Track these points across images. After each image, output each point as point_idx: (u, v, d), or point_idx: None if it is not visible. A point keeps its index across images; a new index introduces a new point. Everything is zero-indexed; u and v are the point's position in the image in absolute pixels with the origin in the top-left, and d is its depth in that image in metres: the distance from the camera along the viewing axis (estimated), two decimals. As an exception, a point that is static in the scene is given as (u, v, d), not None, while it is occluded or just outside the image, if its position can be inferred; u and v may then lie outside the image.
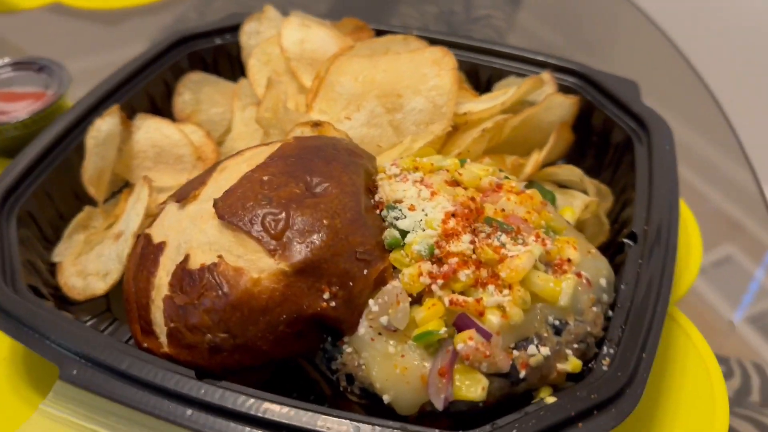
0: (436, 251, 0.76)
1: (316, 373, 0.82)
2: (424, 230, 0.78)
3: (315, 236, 0.74)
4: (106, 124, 1.02)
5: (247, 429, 0.69)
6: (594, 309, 0.77)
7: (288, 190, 0.78)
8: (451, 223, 0.78)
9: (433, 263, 0.75)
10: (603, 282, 0.80)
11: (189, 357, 0.76)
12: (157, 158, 1.09)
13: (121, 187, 1.11)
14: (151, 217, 0.93)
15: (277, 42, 1.13)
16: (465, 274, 0.74)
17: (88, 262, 0.95)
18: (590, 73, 1.13)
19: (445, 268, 0.74)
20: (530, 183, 1.02)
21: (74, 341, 0.76)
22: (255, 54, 1.13)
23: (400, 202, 0.82)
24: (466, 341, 0.70)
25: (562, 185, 1.05)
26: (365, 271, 0.75)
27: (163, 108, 1.19)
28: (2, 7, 1.65)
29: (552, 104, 1.05)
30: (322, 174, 0.80)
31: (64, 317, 0.81)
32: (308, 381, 0.84)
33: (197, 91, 1.20)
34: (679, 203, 0.92)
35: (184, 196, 0.84)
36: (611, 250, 0.94)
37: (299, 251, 0.73)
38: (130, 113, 1.12)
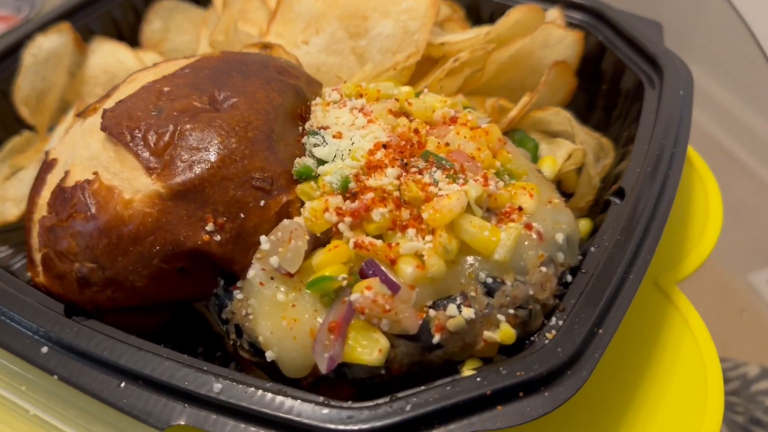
0: (352, 185, 0.62)
1: (219, 326, 0.70)
2: (344, 160, 0.64)
3: (202, 155, 0.62)
4: (49, 41, 0.93)
5: (101, 375, 0.58)
6: (543, 269, 0.62)
7: (186, 102, 0.66)
8: (379, 154, 0.65)
9: (346, 199, 0.62)
10: (560, 238, 0.64)
11: (60, 288, 0.66)
12: (107, 84, 0.99)
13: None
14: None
15: (248, -37, 1.01)
16: (380, 213, 0.60)
17: (10, 188, 0.87)
18: (605, 10, 0.96)
19: (357, 204, 0.60)
20: (514, 130, 0.87)
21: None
22: (223, -25, 1.02)
23: (327, 128, 0.69)
24: (364, 291, 0.56)
25: (556, 135, 0.88)
26: (262, 203, 0.62)
27: (129, 36, 1.09)
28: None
29: (550, 39, 0.89)
30: (234, 88, 0.68)
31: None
32: (213, 335, 0.73)
33: (168, 19, 1.10)
34: (684, 158, 0.75)
35: (84, 110, 0.74)
36: (598, 209, 0.78)
37: (181, 170, 0.61)
38: (88, 36, 1.02)
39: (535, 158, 0.83)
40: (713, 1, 1.45)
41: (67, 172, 0.66)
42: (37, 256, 0.67)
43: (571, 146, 0.81)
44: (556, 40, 0.90)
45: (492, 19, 1.04)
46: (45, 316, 0.62)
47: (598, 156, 0.89)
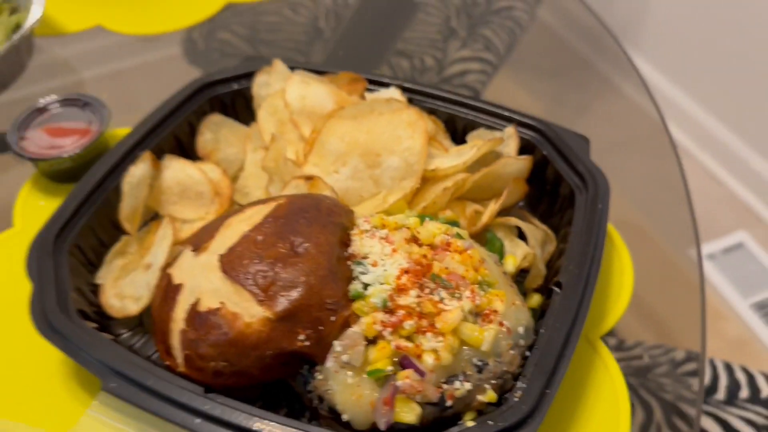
0: (389, 303, 0.98)
1: (300, 389, 1.05)
2: (381, 284, 1.00)
3: (294, 291, 0.96)
4: (139, 170, 1.25)
5: (239, 435, 0.93)
6: (511, 352, 0.99)
7: (276, 250, 1.00)
8: (404, 278, 1.00)
9: (385, 313, 0.97)
10: (521, 330, 1.01)
11: (199, 377, 1.00)
12: (181, 194, 1.32)
13: (152, 216, 1.34)
14: (176, 244, 1.16)
15: (282, 96, 1.34)
16: (409, 324, 0.95)
17: (125, 286, 1.20)
18: (546, 129, 1.31)
19: (394, 318, 0.96)
20: (487, 231, 1.23)
21: (113, 359, 1.00)
22: (264, 106, 1.34)
23: (367, 257, 1.04)
24: (404, 379, 0.93)
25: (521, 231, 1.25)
26: (332, 318, 0.97)
27: (188, 146, 1.42)
28: (50, 30, 1.87)
29: (508, 163, 1.24)
30: (303, 235, 1.02)
31: (106, 339, 1.05)
32: (295, 394, 1.08)
33: (216, 132, 1.42)
34: (601, 259, 1.12)
35: (198, 245, 1.07)
36: (545, 294, 1.15)
37: (281, 303, 0.96)
38: (159, 154, 1.34)
39: (501, 255, 1.19)
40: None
41: (198, 299, 1.00)
42: (179, 354, 1.01)
43: (526, 249, 1.18)
44: (512, 163, 1.26)
45: (464, 131, 1.40)
46: (194, 398, 0.97)
47: (544, 243, 1.26)
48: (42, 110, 1.49)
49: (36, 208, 1.43)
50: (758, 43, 3.11)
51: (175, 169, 1.33)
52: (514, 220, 1.21)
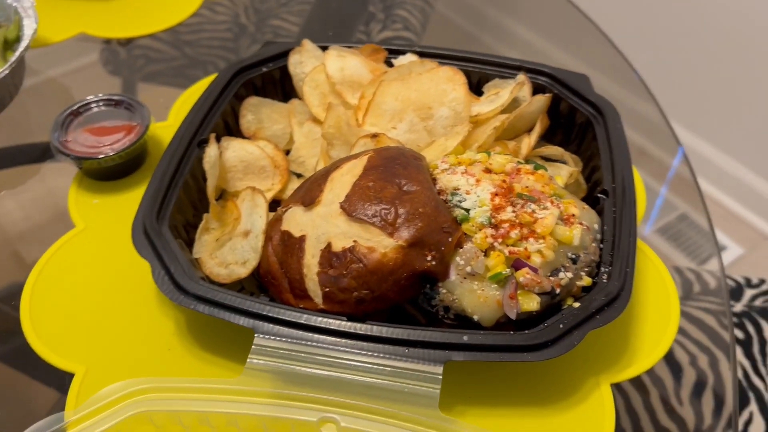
0: (492, 220, 1.16)
1: (414, 309, 1.21)
2: (480, 207, 1.18)
3: (417, 221, 1.13)
4: (213, 150, 1.35)
5: (394, 348, 1.08)
6: (593, 244, 1.20)
7: (389, 191, 1.16)
8: (496, 200, 1.18)
9: (491, 228, 1.16)
10: (596, 226, 1.23)
11: (340, 309, 1.14)
12: (245, 170, 1.43)
13: (219, 196, 1.44)
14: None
15: (322, 71, 1.48)
16: (515, 233, 1.14)
17: (225, 255, 1.30)
18: (553, 71, 1.54)
19: (501, 231, 1.15)
20: (526, 161, 1.44)
21: (261, 309, 1.12)
22: (307, 82, 1.48)
23: (458, 189, 1.21)
24: (525, 275, 1.11)
25: (548, 159, 1.47)
26: (450, 239, 1.14)
27: (234, 129, 1.52)
28: (35, 42, 1.88)
29: (532, 102, 1.46)
30: (405, 177, 1.18)
31: (241, 294, 1.16)
32: (405, 315, 1.24)
33: (257, 112, 1.53)
34: (632, 169, 1.36)
35: (308, 201, 1.20)
36: (588, 202, 1.38)
37: (410, 231, 1.12)
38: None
39: (547, 177, 1.40)
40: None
41: (329, 243, 1.14)
42: (317, 293, 1.15)
43: (570, 168, 1.40)
44: (537, 101, 1.47)
45: (479, 84, 1.60)
46: (345, 324, 1.11)
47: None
48: (77, 113, 1.54)
49: (91, 207, 1.49)
50: None
51: (236, 148, 1.44)
52: (552, 149, 1.42)
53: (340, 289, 1.13)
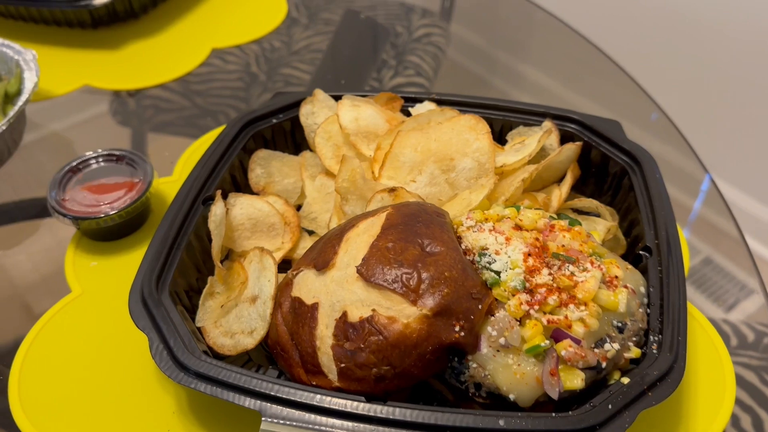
0: (526, 284, 1.04)
1: (441, 385, 1.08)
2: (512, 269, 1.06)
3: (442, 287, 1.01)
4: (219, 208, 1.25)
5: (419, 433, 0.95)
6: (640, 310, 1.08)
7: (410, 253, 1.04)
8: (530, 261, 1.07)
9: (526, 293, 1.03)
10: (642, 289, 1.10)
11: (357, 387, 1.01)
12: (253, 228, 1.32)
13: (224, 257, 1.33)
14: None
15: (335, 121, 1.38)
16: (553, 299, 1.02)
17: (231, 324, 1.18)
18: (582, 118, 1.43)
19: (538, 296, 1.02)
20: (558, 215, 1.32)
21: (269, 388, 0.99)
22: (319, 133, 1.38)
23: (486, 249, 1.10)
24: (567, 348, 0.99)
25: (580, 212, 1.35)
26: (479, 306, 1.02)
27: (242, 183, 1.42)
28: (38, 96, 1.81)
29: (562, 152, 1.35)
30: (428, 236, 1.07)
31: (247, 371, 1.04)
32: (430, 391, 1.11)
33: (266, 166, 1.44)
34: (676, 223, 1.24)
35: (320, 264, 1.09)
36: (630, 261, 1.25)
37: (435, 298, 1.00)
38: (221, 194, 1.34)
39: (582, 233, 1.28)
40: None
41: (344, 312, 1.02)
42: (332, 369, 1.02)
43: (606, 223, 1.28)
44: (567, 149, 1.36)
45: (501, 132, 1.49)
46: (365, 406, 0.98)
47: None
48: (75, 169, 1.45)
49: (88, 270, 1.38)
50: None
51: (243, 205, 1.33)
52: (586, 201, 1.31)
53: (357, 365, 1.00)
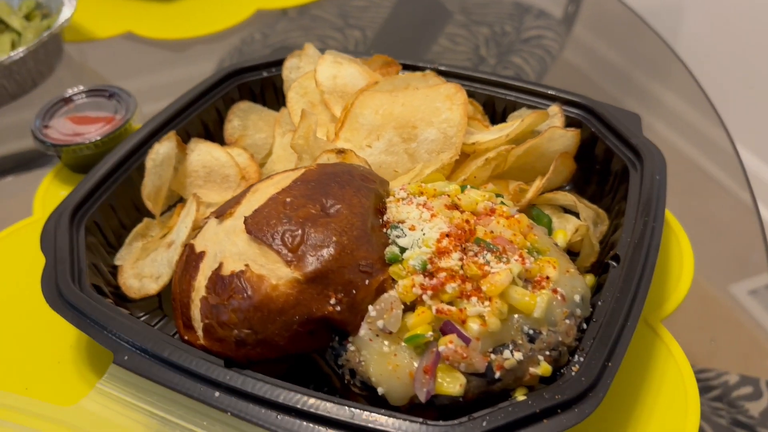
0: (429, 266, 0.88)
1: (328, 368, 0.95)
2: (420, 248, 0.91)
3: (325, 251, 0.88)
4: (164, 147, 1.19)
5: (263, 410, 0.83)
6: (567, 321, 0.88)
7: (306, 210, 0.92)
8: (445, 242, 0.91)
9: (425, 277, 0.88)
10: (577, 298, 0.90)
11: (220, 348, 0.91)
12: (207, 177, 1.25)
13: (176, 201, 1.27)
14: (197, 229, 1.09)
15: (313, 77, 1.28)
16: (451, 287, 0.86)
17: (144, 266, 1.12)
18: (594, 106, 1.23)
19: (435, 281, 0.86)
20: (531, 207, 1.14)
21: (126, 332, 0.91)
22: (293, 87, 1.28)
23: (403, 222, 0.95)
24: (447, 344, 0.82)
25: (567, 210, 1.15)
26: (367, 281, 0.88)
27: (215, 133, 1.36)
28: (80, 36, 1.87)
29: (554, 136, 1.16)
30: (335, 197, 0.94)
31: (120, 312, 0.97)
32: (322, 374, 0.98)
33: (245, 118, 1.36)
34: (662, 229, 1.01)
35: (222, 212, 1.00)
36: (599, 269, 1.05)
37: (311, 263, 0.87)
38: (185, 137, 1.29)
39: (550, 230, 1.09)
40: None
41: (221, 264, 0.92)
42: (198, 325, 0.93)
43: (577, 222, 1.08)
44: (559, 136, 1.17)
45: (505, 113, 1.32)
46: (214, 369, 0.87)
47: (596, 223, 1.16)
48: (68, 100, 1.46)
49: (57, 198, 1.38)
50: None
51: (201, 151, 1.27)
52: (562, 195, 1.11)
53: (219, 323, 0.90)
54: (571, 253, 1.11)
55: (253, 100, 1.41)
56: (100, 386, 0.90)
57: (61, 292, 0.98)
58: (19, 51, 1.54)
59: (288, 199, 0.94)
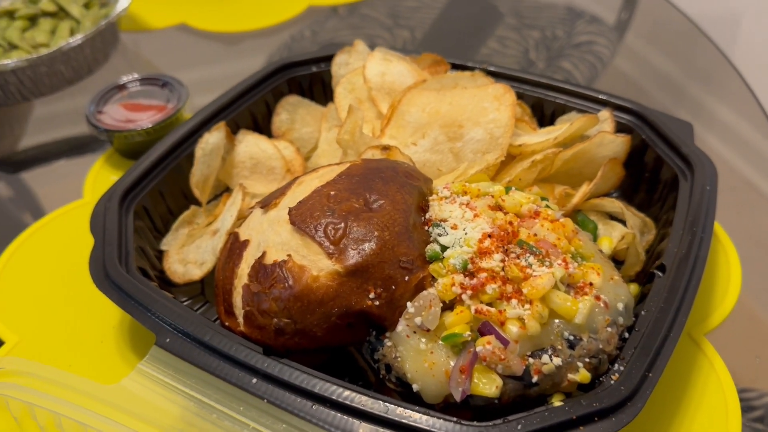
0: (470, 266, 0.88)
1: (364, 362, 0.96)
2: (461, 247, 0.90)
3: (366, 245, 0.88)
4: (213, 137, 1.21)
5: (298, 399, 0.84)
6: (608, 329, 0.87)
7: (349, 204, 0.92)
8: (487, 242, 0.90)
9: (465, 276, 0.87)
10: (620, 306, 0.89)
11: (259, 336, 0.92)
12: (253, 168, 1.27)
13: (223, 191, 1.29)
14: (242, 218, 1.10)
15: (362, 73, 1.28)
16: (492, 288, 0.85)
17: (189, 252, 1.14)
18: (646, 112, 1.21)
19: (475, 281, 0.86)
20: (577, 212, 1.12)
21: (169, 315, 0.93)
22: (342, 83, 1.29)
23: (446, 220, 0.95)
24: (485, 345, 0.82)
25: (613, 217, 1.13)
26: (406, 278, 0.88)
27: (263, 125, 1.38)
28: (136, 26, 1.91)
29: (604, 141, 1.14)
30: (379, 192, 0.94)
31: (164, 295, 0.98)
32: (358, 368, 0.98)
33: (293, 112, 1.38)
34: (711, 242, 0.99)
35: (267, 203, 1.01)
36: (644, 280, 1.03)
37: (352, 256, 0.88)
38: (234, 129, 1.31)
39: (595, 236, 1.08)
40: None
41: (264, 253, 0.93)
42: (239, 312, 0.94)
43: (624, 229, 1.07)
44: (609, 141, 1.15)
45: (553, 116, 1.31)
46: (253, 355, 0.88)
47: (642, 231, 1.14)
48: (122, 87, 1.49)
49: (107, 182, 1.41)
50: None
51: (249, 143, 1.28)
52: (609, 202, 1.10)
53: (260, 311, 0.91)
54: (616, 261, 1.10)
55: (302, 95, 1.42)
56: (141, 367, 0.91)
57: (107, 272, 1.01)
58: (77, 38, 1.59)
59: (332, 192, 0.95)
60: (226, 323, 0.97)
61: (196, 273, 1.11)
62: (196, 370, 0.90)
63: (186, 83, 1.50)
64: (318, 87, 1.44)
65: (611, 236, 1.06)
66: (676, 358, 1.01)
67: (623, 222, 1.11)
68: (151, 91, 1.48)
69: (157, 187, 1.19)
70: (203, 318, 0.95)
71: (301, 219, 0.92)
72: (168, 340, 0.92)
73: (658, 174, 1.17)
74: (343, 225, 0.90)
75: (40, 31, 1.69)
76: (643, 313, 0.91)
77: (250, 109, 1.35)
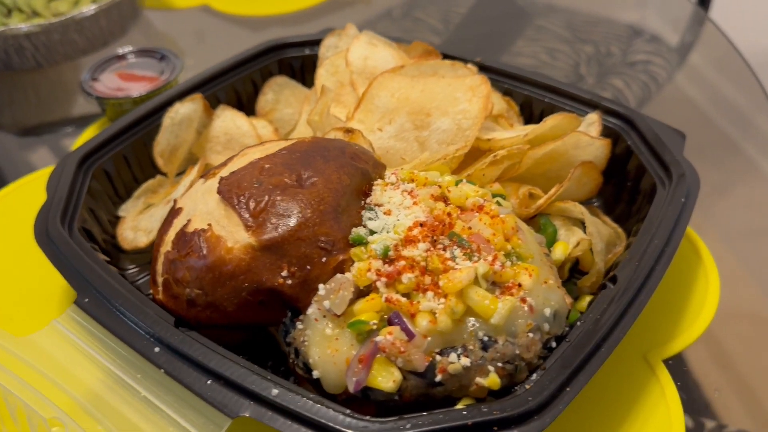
0: (391, 253, 0.83)
1: (286, 346, 0.91)
2: (388, 233, 0.85)
3: (285, 220, 0.84)
4: (184, 108, 1.20)
5: (195, 373, 0.80)
6: (530, 335, 0.80)
7: (279, 178, 0.89)
8: (416, 231, 0.85)
9: (384, 263, 0.82)
10: (548, 312, 0.82)
11: (174, 306, 0.89)
12: (226, 144, 1.25)
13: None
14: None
15: (345, 56, 1.25)
16: (408, 277, 0.80)
17: (143, 220, 1.13)
18: (636, 118, 1.13)
19: (392, 268, 0.81)
20: (541, 214, 1.05)
21: (91, 276, 0.92)
22: (324, 65, 1.26)
23: (382, 206, 0.90)
24: (386, 335, 0.76)
25: (577, 222, 1.06)
26: (324, 259, 0.83)
27: (246, 103, 1.36)
28: (160, 3, 1.93)
29: (580, 143, 1.06)
30: (315, 170, 0.90)
31: (96, 258, 0.97)
32: (281, 353, 0.94)
33: (278, 93, 1.35)
34: (672, 257, 0.90)
35: (208, 172, 0.98)
36: (598, 290, 0.95)
37: (269, 230, 0.84)
38: (215, 103, 1.29)
39: (553, 241, 1.00)
40: None
41: (189, 220, 0.90)
42: (159, 279, 0.92)
43: (581, 235, 0.99)
44: (586, 144, 1.08)
45: (542, 115, 1.23)
46: (160, 324, 0.85)
47: (614, 243, 1.05)
48: (120, 57, 1.50)
49: (94, 149, 1.42)
50: None
51: (226, 118, 1.27)
52: (572, 205, 1.02)
53: (175, 280, 0.88)
54: (582, 272, 1.02)
55: (292, 77, 1.40)
56: (54, 324, 0.90)
57: (47, 226, 1.00)
58: (91, 8, 1.61)
59: (267, 166, 0.91)
60: (150, 291, 0.95)
61: (143, 240, 1.09)
62: (108, 335, 0.88)
63: (203, 65, 1.48)
64: (310, 69, 1.41)
65: (569, 242, 0.98)
66: (623, 381, 0.93)
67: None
68: (148, 63, 1.49)
69: (122, 152, 1.18)
70: (126, 283, 0.93)
71: (227, 189, 0.89)
72: (87, 300, 0.90)
73: (638, 183, 1.09)
74: (266, 198, 0.86)
75: (63, 2, 1.73)
76: (578, 323, 0.84)
77: (234, 85, 1.34)
